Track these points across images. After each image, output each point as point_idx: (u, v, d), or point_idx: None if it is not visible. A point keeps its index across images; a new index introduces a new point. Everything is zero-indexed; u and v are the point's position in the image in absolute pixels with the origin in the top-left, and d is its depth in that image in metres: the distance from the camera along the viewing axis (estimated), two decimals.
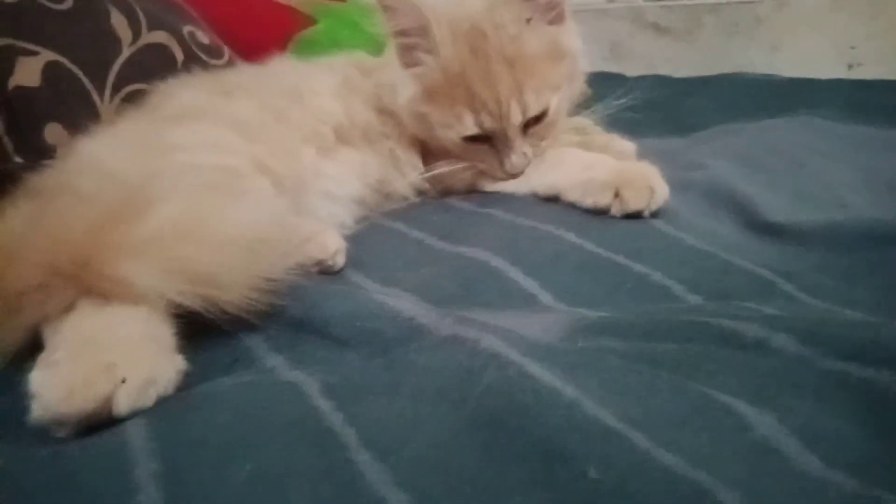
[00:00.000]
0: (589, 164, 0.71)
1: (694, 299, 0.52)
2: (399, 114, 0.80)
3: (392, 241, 0.69)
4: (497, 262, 0.57)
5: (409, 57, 0.76)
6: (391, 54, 0.84)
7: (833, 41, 1.49)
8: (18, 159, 0.71)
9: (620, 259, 0.58)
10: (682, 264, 0.57)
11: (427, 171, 0.80)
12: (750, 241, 0.64)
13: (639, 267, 0.56)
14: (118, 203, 0.45)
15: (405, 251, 0.65)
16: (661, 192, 0.64)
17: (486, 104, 0.71)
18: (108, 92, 0.80)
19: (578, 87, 0.81)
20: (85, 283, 0.41)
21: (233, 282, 0.44)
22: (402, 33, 0.75)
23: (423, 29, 0.72)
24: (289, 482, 0.28)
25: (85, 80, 0.78)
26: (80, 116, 0.76)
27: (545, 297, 0.53)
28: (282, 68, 0.87)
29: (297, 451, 0.30)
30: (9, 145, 0.71)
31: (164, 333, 0.41)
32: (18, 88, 0.72)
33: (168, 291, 0.42)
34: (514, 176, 0.76)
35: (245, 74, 0.83)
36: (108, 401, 0.35)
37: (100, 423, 0.35)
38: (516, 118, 0.72)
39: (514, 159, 0.74)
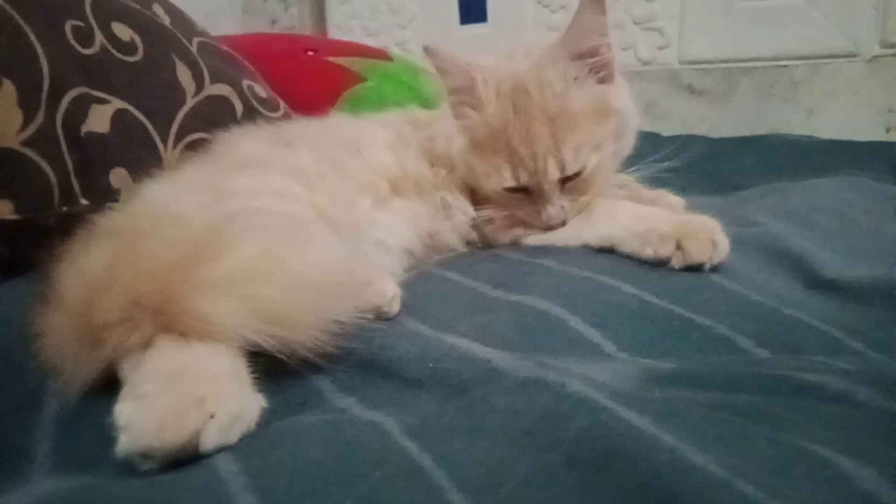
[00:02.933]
0: (643, 216, 0.71)
1: (762, 353, 0.52)
2: (453, 160, 0.82)
3: (445, 289, 0.69)
4: (557, 311, 0.57)
5: (459, 112, 0.80)
6: (445, 108, 0.87)
7: (870, 104, 1.50)
8: (84, 201, 0.74)
9: (682, 311, 0.57)
10: (746, 318, 0.56)
11: (481, 212, 0.82)
12: (810, 298, 0.63)
13: (701, 319, 0.56)
14: (199, 243, 0.46)
15: (459, 298, 0.65)
16: (723, 245, 0.64)
17: (523, 160, 0.74)
18: (171, 140, 0.83)
19: (629, 144, 0.82)
20: (167, 318, 0.42)
21: (306, 323, 0.45)
22: (453, 91, 0.79)
23: (469, 87, 0.77)
24: None
25: (150, 128, 0.81)
26: (145, 162, 0.79)
27: (608, 347, 0.53)
28: (339, 122, 0.90)
29: (394, 487, 0.30)
30: (76, 187, 0.73)
31: (244, 371, 0.41)
32: (90, 134, 0.75)
33: (245, 330, 0.43)
34: (551, 227, 0.77)
35: (304, 127, 0.85)
36: (197, 435, 0.35)
37: (185, 457, 0.35)
38: (553, 175, 0.74)
39: (552, 211, 0.75)
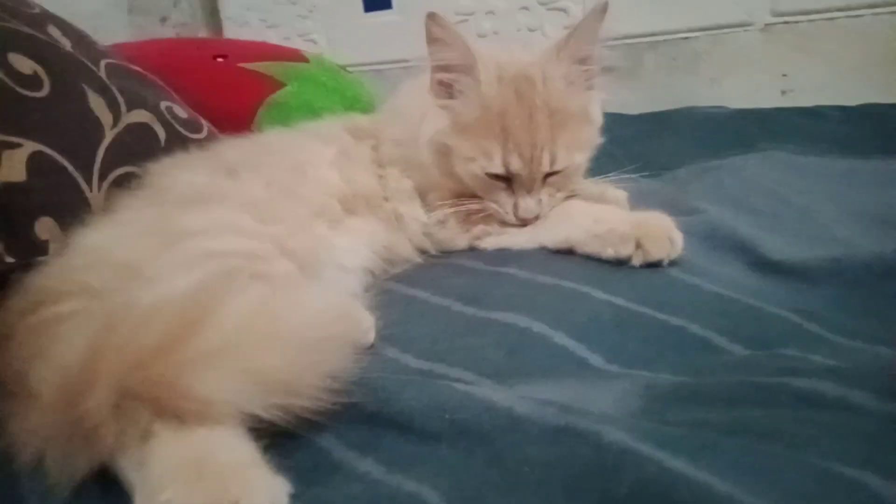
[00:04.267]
0: (598, 216, 0.73)
1: (737, 349, 0.55)
2: (415, 156, 0.81)
3: (415, 309, 0.68)
4: (538, 327, 0.58)
5: (444, 91, 0.78)
6: (394, 106, 0.86)
7: (767, 70, 1.59)
8: (10, 259, 0.67)
9: (654, 313, 0.60)
10: (712, 313, 0.59)
11: (435, 212, 0.82)
12: (761, 283, 0.67)
13: (675, 320, 0.58)
14: (179, 313, 0.43)
15: (434, 320, 0.65)
16: (679, 241, 0.67)
17: (519, 146, 0.74)
18: (95, 178, 0.77)
19: (591, 155, 0.83)
20: (162, 405, 0.39)
21: (308, 385, 0.43)
22: (444, 68, 0.77)
23: (468, 66, 0.75)
24: None
25: (71, 169, 0.75)
26: (71, 207, 0.73)
27: (596, 360, 0.54)
28: (276, 141, 0.86)
29: None
30: (1, 246, 0.67)
31: (258, 455, 0.39)
32: (6, 185, 0.68)
33: (248, 405, 0.40)
34: (524, 221, 0.78)
35: (239, 150, 0.81)
36: None
37: None
38: (545, 166, 0.75)
39: (530, 203, 0.76)
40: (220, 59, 1.23)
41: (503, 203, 0.77)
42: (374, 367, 0.51)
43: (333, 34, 2.05)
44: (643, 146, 1.20)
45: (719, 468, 0.32)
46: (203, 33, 2.23)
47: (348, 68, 1.74)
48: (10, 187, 0.69)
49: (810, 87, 1.57)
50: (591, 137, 0.80)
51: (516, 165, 0.74)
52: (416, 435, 0.42)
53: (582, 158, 0.78)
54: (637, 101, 1.70)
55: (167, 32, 2.13)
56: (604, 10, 0.75)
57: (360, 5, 1.98)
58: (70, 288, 0.58)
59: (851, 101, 1.38)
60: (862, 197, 0.82)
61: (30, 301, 0.59)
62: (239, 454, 0.38)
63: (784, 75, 1.59)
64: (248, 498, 0.35)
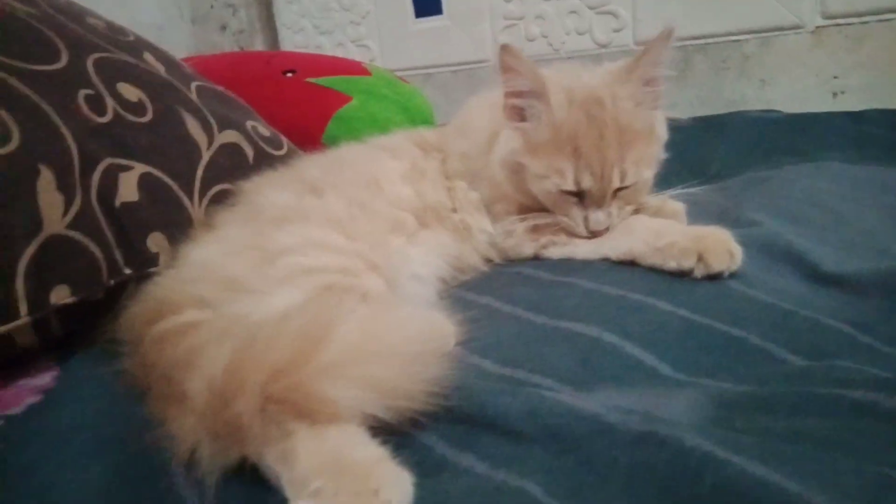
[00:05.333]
0: (659, 230, 0.78)
1: (795, 359, 0.59)
2: (483, 169, 0.88)
3: (487, 317, 0.74)
4: (608, 337, 0.63)
5: (517, 114, 0.84)
6: (461, 122, 0.94)
7: (817, 72, 1.61)
8: (128, 271, 0.76)
9: (716, 324, 0.64)
10: (771, 325, 0.64)
11: (502, 222, 0.88)
12: (816, 295, 0.71)
13: (735, 331, 0.63)
14: (301, 333, 0.50)
15: (506, 327, 0.70)
16: (738, 254, 0.72)
17: (590, 165, 0.79)
18: (196, 196, 0.85)
19: (657, 170, 0.88)
20: (299, 408, 0.46)
21: (414, 390, 0.50)
22: (516, 94, 0.83)
23: (539, 92, 0.81)
24: None
25: (175, 188, 0.83)
26: (176, 223, 0.81)
27: (664, 369, 0.59)
28: (352, 157, 0.93)
29: None
30: (119, 258, 0.75)
31: (382, 449, 0.46)
32: (123, 204, 0.77)
33: (368, 407, 0.47)
34: (594, 234, 0.83)
35: (320, 168, 0.88)
36: None
37: None
38: (615, 183, 0.80)
39: (601, 216, 0.81)
40: (289, 74, 1.30)
41: (574, 216, 0.83)
42: (460, 372, 0.57)
43: (385, 39, 2.12)
44: (695, 153, 1.24)
45: (789, 472, 0.37)
46: (259, 39, 2.33)
47: (399, 72, 1.81)
48: (127, 206, 0.77)
49: (862, 89, 1.57)
50: (656, 154, 0.85)
51: (587, 182, 0.80)
52: (511, 436, 0.49)
53: (649, 174, 0.83)
54: (686, 103, 1.73)
55: (227, 40, 2.22)
56: (669, 35, 0.79)
57: (411, 11, 2.05)
58: (184, 299, 0.66)
59: None
60: None
61: (150, 310, 0.67)
62: (370, 450, 0.45)
63: (835, 77, 1.59)
64: (385, 487, 0.41)
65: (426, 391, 0.50)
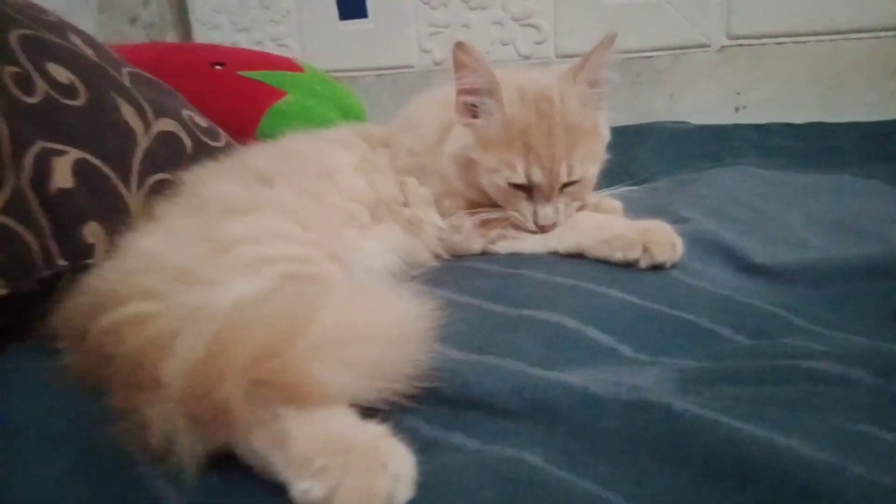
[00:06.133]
0: (603, 224, 0.82)
1: (742, 339, 0.64)
2: (433, 164, 0.90)
3: (448, 308, 0.74)
4: (570, 322, 0.65)
5: (468, 112, 0.86)
6: (409, 118, 0.95)
7: (722, 88, 1.73)
8: (63, 262, 0.71)
9: (666, 309, 0.68)
10: (716, 309, 0.68)
11: (450, 218, 0.89)
12: (748, 283, 0.77)
13: (686, 315, 0.67)
14: (281, 317, 0.49)
15: (471, 318, 0.71)
16: (680, 246, 0.76)
17: (540, 159, 0.82)
18: (134, 185, 0.81)
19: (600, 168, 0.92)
20: (285, 388, 0.45)
21: (399, 373, 0.49)
22: (469, 91, 0.85)
23: (492, 89, 0.83)
24: None
25: (112, 176, 0.78)
26: (113, 212, 0.77)
27: (625, 350, 0.62)
28: (301, 147, 0.91)
29: None
30: (54, 249, 0.70)
31: (379, 427, 0.46)
32: (58, 190, 0.72)
33: (357, 390, 0.47)
34: (542, 228, 0.85)
35: (268, 158, 0.86)
36: (392, 497, 0.39)
37: None
38: (563, 177, 0.83)
39: (549, 211, 0.84)
40: (217, 67, 1.26)
41: (523, 211, 0.85)
42: (444, 359, 0.57)
43: (307, 40, 2.09)
44: (621, 158, 1.30)
45: (772, 429, 0.40)
46: (172, 34, 2.23)
47: None
48: (62, 193, 0.72)
49: (761, 104, 1.71)
50: (601, 151, 0.89)
51: (537, 176, 0.82)
52: (498, 413, 0.49)
53: (594, 170, 0.87)
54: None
55: (137, 33, 2.11)
56: (612, 40, 0.84)
57: (334, 13, 2.03)
58: (129, 291, 0.63)
59: (798, 117, 1.53)
60: (822, 206, 0.93)
61: (92, 303, 0.63)
62: (369, 428, 0.45)
63: (738, 93, 1.73)
64: (392, 461, 0.41)
65: (410, 373, 0.50)
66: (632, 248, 0.77)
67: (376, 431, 0.44)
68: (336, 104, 1.30)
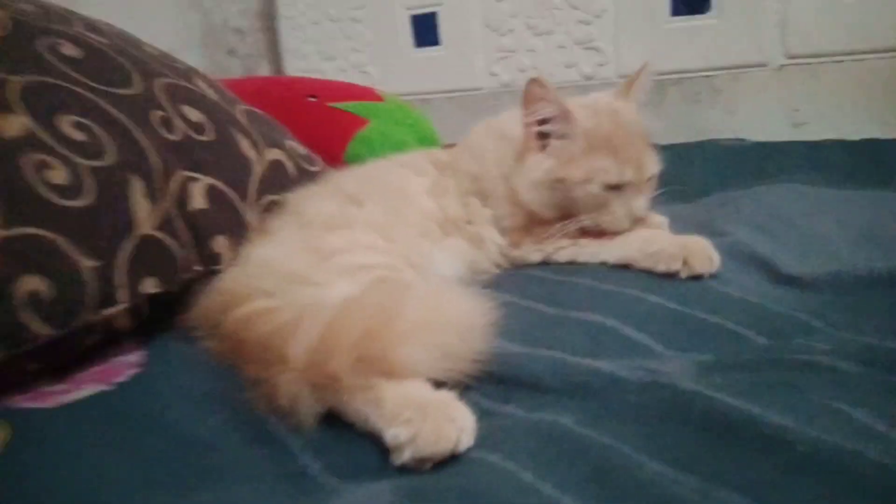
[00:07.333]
0: (648, 239, 0.93)
1: (761, 339, 0.74)
2: (496, 190, 1.03)
3: (509, 310, 0.87)
4: (612, 322, 0.78)
5: (541, 141, 0.97)
6: (470, 145, 1.09)
7: (779, 105, 1.79)
8: (198, 267, 0.88)
9: (697, 313, 0.79)
10: (743, 314, 0.78)
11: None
12: (777, 291, 0.86)
13: (713, 318, 0.78)
14: (377, 311, 0.64)
15: (526, 317, 0.84)
16: (717, 259, 0.87)
17: (629, 159, 0.94)
18: (251, 205, 0.98)
19: None
20: (381, 364, 0.59)
21: (466, 357, 0.63)
22: (541, 122, 0.96)
23: (564, 114, 0.95)
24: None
25: (234, 197, 0.96)
26: (236, 227, 0.94)
27: (657, 348, 0.73)
28: (382, 173, 1.06)
29: (607, 461, 0.49)
30: (193, 258, 0.87)
31: (450, 394, 0.60)
32: (195, 210, 0.89)
33: (434, 368, 0.61)
34: (638, 220, 0.96)
35: (356, 181, 1.02)
36: (458, 442, 0.53)
37: (447, 458, 0.53)
38: (650, 170, 0.96)
39: (641, 202, 0.96)
40: (311, 99, 1.44)
41: (616, 209, 0.95)
42: (503, 349, 0.70)
43: (385, 67, 2.27)
44: (672, 176, 1.39)
45: (756, 403, 0.52)
46: (265, 63, 2.46)
47: (399, 97, 1.96)
48: (199, 213, 0.90)
49: (819, 121, 1.76)
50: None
51: (629, 173, 0.94)
52: (542, 390, 0.62)
53: (659, 169, 1.00)
54: (661, 132, 1.90)
55: (234, 63, 2.35)
56: (646, 71, 0.97)
57: (410, 41, 2.20)
58: (251, 291, 0.79)
59: (856, 134, 1.58)
60: (858, 221, 1.01)
61: (222, 301, 0.79)
62: (442, 393, 0.59)
63: (796, 110, 1.78)
64: (459, 416, 0.55)
65: (475, 357, 0.64)
66: (673, 260, 0.88)
67: (447, 395, 0.58)
68: (412, 129, 1.46)
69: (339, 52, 2.33)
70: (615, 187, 0.95)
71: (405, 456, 0.53)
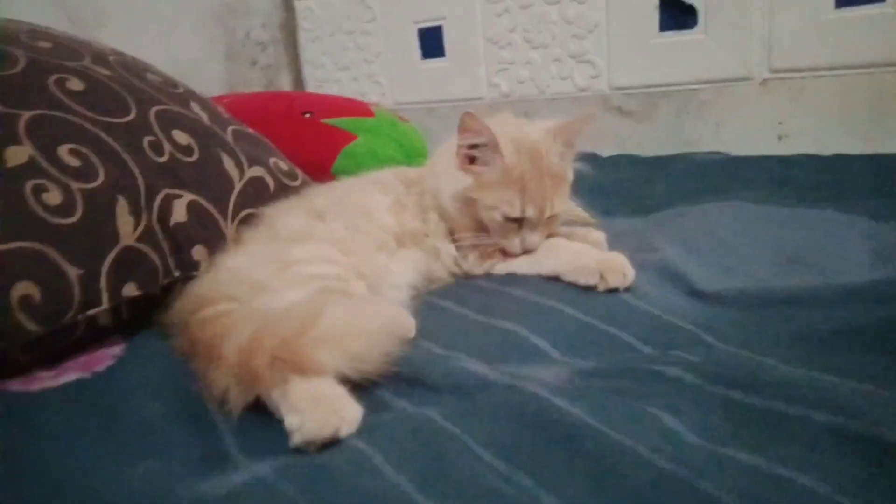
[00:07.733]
0: (577, 252, 1.03)
1: (647, 349, 0.83)
2: (441, 205, 1.13)
3: (442, 316, 0.99)
4: (521, 331, 0.88)
5: (467, 160, 1.09)
6: (433, 165, 1.19)
7: (764, 118, 1.84)
8: (177, 273, 1.02)
9: (601, 324, 0.89)
10: (640, 326, 0.88)
11: (459, 244, 1.13)
12: (688, 305, 0.95)
13: (612, 329, 0.87)
14: (300, 316, 0.76)
15: (454, 323, 0.95)
16: (630, 274, 0.96)
17: (533, 199, 1.05)
18: (229, 218, 1.11)
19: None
20: (295, 365, 0.71)
21: (376, 359, 0.75)
22: (473, 146, 1.08)
23: (493, 145, 1.06)
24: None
25: (214, 212, 1.10)
26: (214, 238, 1.08)
27: (554, 354, 0.83)
28: (348, 191, 1.19)
29: (454, 451, 0.60)
30: (171, 264, 1.01)
31: (345, 391, 0.71)
32: (176, 224, 1.03)
33: (342, 368, 0.72)
34: (527, 250, 1.08)
35: (324, 198, 1.14)
36: (339, 429, 0.65)
37: (331, 442, 0.65)
38: (548, 212, 1.07)
39: (535, 237, 1.07)
40: (307, 115, 1.57)
41: (513, 239, 1.08)
42: (413, 351, 0.82)
43: (394, 76, 2.40)
44: (639, 190, 1.48)
45: (594, 412, 0.62)
46: (285, 73, 2.62)
47: (406, 105, 2.09)
48: (178, 225, 1.03)
49: (803, 134, 1.81)
50: (568, 193, 1.12)
51: (530, 211, 1.05)
52: (431, 389, 0.74)
53: (566, 208, 1.08)
54: (652, 141, 1.97)
55: (257, 73, 2.51)
56: (588, 120, 1.06)
57: (417, 54, 2.32)
58: (219, 296, 0.92)
59: (839, 147, 1.63)
60: (784, 240, 1.08)
61: (193, 303, 0.92)
62: (337, 389, 0.70)
63: (780, 123, 1.83)
64: (345, 408, 0.67)
65: (382, 361, 0.76)
66: (592, 275, 0.98)
67: (341, 392, 0.70)
68: (399, 144, 1.58)
69: (352, 63, 2.47)
70: (516, 220, 1.06)
71: (296, 439, 0.65)
